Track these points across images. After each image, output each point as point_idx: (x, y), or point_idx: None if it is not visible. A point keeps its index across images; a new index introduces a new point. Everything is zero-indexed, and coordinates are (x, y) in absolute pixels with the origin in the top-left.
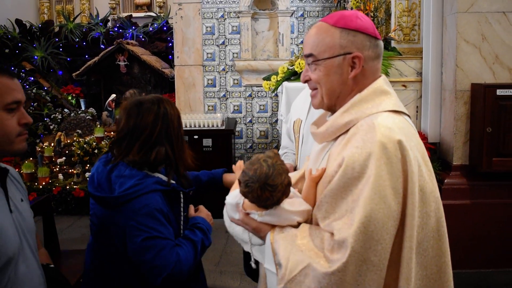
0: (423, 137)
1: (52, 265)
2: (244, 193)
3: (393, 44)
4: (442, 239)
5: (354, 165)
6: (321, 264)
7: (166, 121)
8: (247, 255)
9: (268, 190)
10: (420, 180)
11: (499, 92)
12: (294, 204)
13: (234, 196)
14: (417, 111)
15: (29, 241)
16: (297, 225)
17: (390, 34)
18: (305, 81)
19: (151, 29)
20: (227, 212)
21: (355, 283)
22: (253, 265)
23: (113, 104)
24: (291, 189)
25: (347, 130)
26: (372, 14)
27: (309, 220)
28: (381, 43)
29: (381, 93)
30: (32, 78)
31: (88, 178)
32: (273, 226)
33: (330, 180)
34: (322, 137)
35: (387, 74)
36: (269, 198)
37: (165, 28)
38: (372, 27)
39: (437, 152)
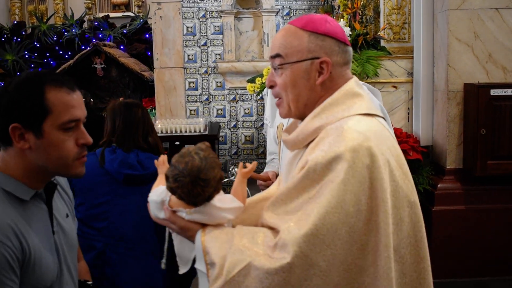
0: (415, 140)
1: (89, 282)
2: (173, 189)
3: (382, 43)
4: (420, 244)
5: (316, 167)
6: (262, 262)
7: (147, 115)
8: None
9: (200, 185)
10: (392, 185)
11: (493, 92)
12: (224, 201)
13: (159, 193)
14: (408, 113)
15: (69, 263)
16: (226, 223)
17: (379, 33)
18: (270, 86)
19: (125, 31)
20: (151, 211)
21: (300, 287)
22: (163, 265)
23: None
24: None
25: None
26: (360, 12)
27: (239, 217)
28: (351, 50)
29: (353, 96)
30: (3, 83)
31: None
32: (202, 225)
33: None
34: (293, 144)
35: (376, 74)
36: (200, 194)
37: (144, 29)
38: (342, 32)
39: (429, 156)
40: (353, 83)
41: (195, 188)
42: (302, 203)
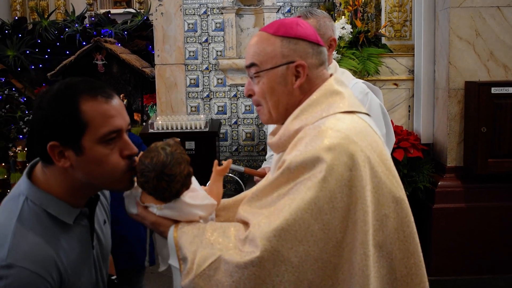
0: (416, 137)
1: (113, 277)
2: (141, 184)
3: (383, 40)
4: (409, 240)
5: (290, 166)
6: (232, 255)
7: None
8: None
9: (165, 180)
10: (373, 182)
11: (494, 90)
12: (196, 197)
13: (132, 188)
14: (409, 111)
15: (103, 273)
16: (198, 220)
17: (380, 30)
18: (249, 95)
19: (126, 27)
20: (126, 206)
21: (271, 283)
22: (147, 263)
23: None
24: (196, 184)
25: None
26: (361, 10)
27: (225, 216)
28: (324, 50)
29: (332, 94)
30: (4, 79)
31: None
32: (174, 221)
33: None
34: (276, 147)
35: (377, 72)
36: (166, 189)
37: (145, 25)
38: (314, 34)
39: (430, 154)
40: (332, 81)
41: (160, 183)
42: (275, 199)
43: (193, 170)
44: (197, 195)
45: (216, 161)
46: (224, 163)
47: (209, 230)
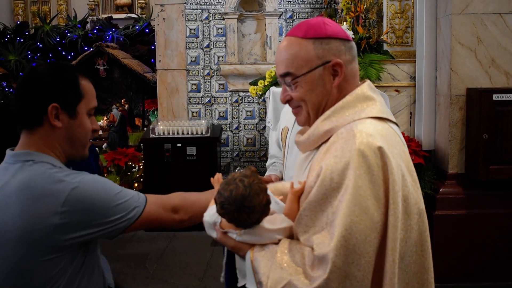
0: (417, 144)
1: None
2: (222, 215)
3: (385, 47)
4: (426, 255)
5: (332, 175)
6: (301, 281)
7: None
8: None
9: (246, 212)
10: (404, 190)
11: (496, 97)
12: (275, 221)
13: (211, 214)
14: (410, 117)
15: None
16: (277, 242)
17: (382, 36)
18: (286, 102)
19: (128, 32)
20: (206, 230)
21: None
22: (222, 279)
23: None
24: (276, 201)
25: (328, 139)
26: (363, 16)
27: (291, 236)
28: (354, 44)
29: (364, 99)
30: (6, 83)
31: None
32: (251, 245)
33: (309, 191)
34: (304, 146)
35: (379, 78)
36: (247, 220)
37: (147, 31)
38: (342, 30)
39: (431, 160)
40: (366, 87)
41: (241, 215)
42: (326, 215)
43: (195, 174)
44: (275, 218)
45: (292, 182)
46: (301, 183)
47: (280, 253)
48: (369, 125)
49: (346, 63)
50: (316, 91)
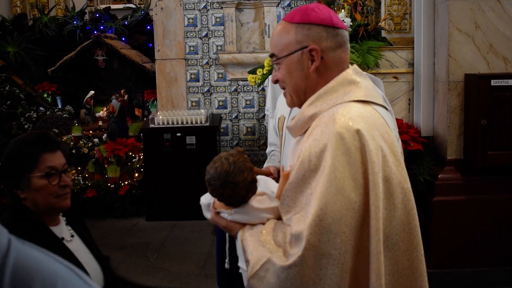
0: (416, 130)
1: None
2: (210, 192)
3: (383, 34)
4: (414, 233)
5: (310, 157)
6: (279, 258)
7: None
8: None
9: (229, 187)
10: (385, 171)
11: (494, 82)
12: (263, 201)
13: (207, 196)
14: (409, 104)
15: None
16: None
17: (380, 23)
18: (275, 82)
19: (126, 23)
20: (203, 213)
21: (316, 277)
22: (227, 265)
23: (92, 101)
24: (267, 186)
25: None
26: (361, 3)
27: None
28: (343, 32)
29: (348, 83)
30: (5, 75)
31: None
32: (244, 225)
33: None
34: (294, 131)
35: (377, 65)
36: (232, 196)
37: (145, 20)
38: (329, 18)
39: (430, 146)
40: (351, 71)
41: (225, 191)
42: (306, 196)
43: (195, 163)
44: (264, 198)
45: (282, 166)
46: (291, 166)
47: (264, 233)
48: (351, 109)
49: (326, 49)
50: (294, 74)
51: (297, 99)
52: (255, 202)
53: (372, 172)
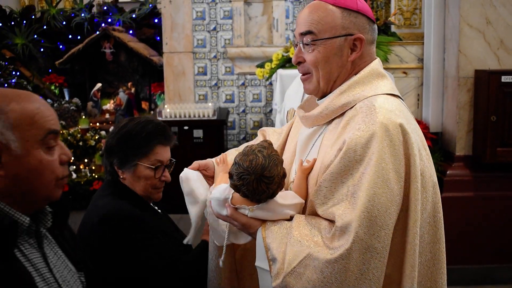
0: (425, 126)
1: None
2: (237, 187)
3: (393, 29)
4: (438, 225)
5: (356, 148)
6: (322, 252)
7: None
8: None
9: (265, 182)
10: (421, 164)
11: (504, 78)
12: (286, 197)
13: (221, 190)
14: (418, 99)
15: None
16: (289, 219)
17: (390, 18)
18: (298, 63)
19: (134, 16)
20: (213, 208)
21: (359, 272)
22: (221, 264)
23: (99, 94)
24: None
25: (343, 113)
26: None
27: (301, 213)
28: (376, 28)
29: (378, 76)
30: (13, 67)
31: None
32: (262, 221)
33: (329, 165)
34: (314, 120)
35: (386, 60)
36: (265, 191)
37: (153, 14)
38: (370, 11)
39: (439, 142)
40: (377, 64)
41: (260, 186)
42: (347, 187)
43: (202, 157)
44: (286, 194)
45: (300, 160)
46: (309, 161)
47: (296, 228)
48: (387, 101)
49: (367, 41)
50: (331, 60)
51: (325, 87)
52: (279, 198)
53: (413, 165)
